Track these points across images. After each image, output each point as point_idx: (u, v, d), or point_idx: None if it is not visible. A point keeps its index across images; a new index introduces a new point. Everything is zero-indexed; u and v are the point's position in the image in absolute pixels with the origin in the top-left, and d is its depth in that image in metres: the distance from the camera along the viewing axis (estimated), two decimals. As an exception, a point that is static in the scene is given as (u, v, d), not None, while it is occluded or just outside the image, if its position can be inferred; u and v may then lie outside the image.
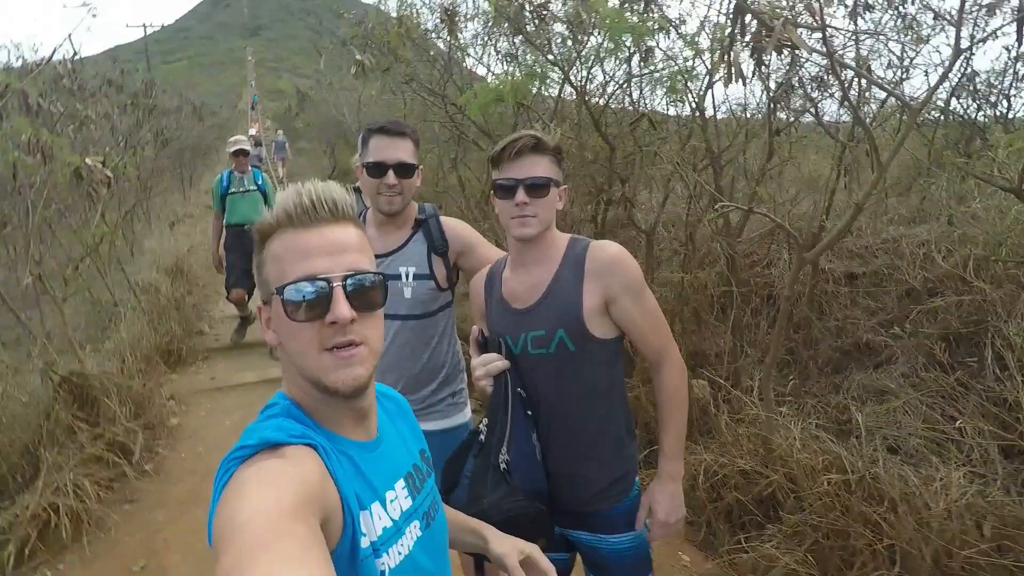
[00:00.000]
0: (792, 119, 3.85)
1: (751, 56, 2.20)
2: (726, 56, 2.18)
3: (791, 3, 1.81)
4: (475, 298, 1.66)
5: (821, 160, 4.83)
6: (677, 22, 3.78)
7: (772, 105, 3.54)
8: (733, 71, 2.12)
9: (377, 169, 1.76)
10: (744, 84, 2.84)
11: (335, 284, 0.83)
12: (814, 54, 2.37)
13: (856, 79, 3.23)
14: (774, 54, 2.31)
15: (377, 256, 1.61)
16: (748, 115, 4.19)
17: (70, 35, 4.36)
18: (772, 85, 3.48)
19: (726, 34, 1.96)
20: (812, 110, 4.25)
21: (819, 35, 1.89)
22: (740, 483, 2.79)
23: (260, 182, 5.44)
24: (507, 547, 1.09)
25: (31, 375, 3.85)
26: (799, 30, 1.62)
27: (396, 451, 0.98)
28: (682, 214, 4.75)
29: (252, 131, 16.62)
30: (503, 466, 1.40)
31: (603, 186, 3.82)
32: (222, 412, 4.77)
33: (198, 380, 5.41)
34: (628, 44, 3.62)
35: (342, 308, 0.82)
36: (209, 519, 0.74)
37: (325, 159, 15.81)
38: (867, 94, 3.78)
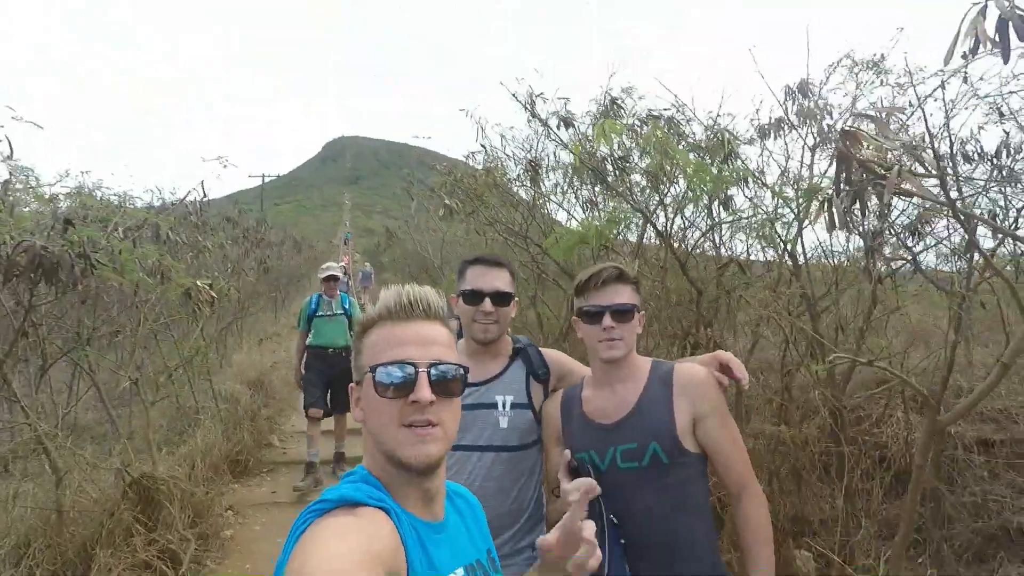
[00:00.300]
0: (891, 268, 3.65)
1: (853, 204, 2.14)
2: (825, 204, 2.13)
3: (897, 153, 1.76)
4: (551, 420, 1.67)
5: (922, 310, 4.49)
6: (757, 172, 3.86)
7: (871, 252, 3.39)
8: (836, 218, 2.05)
9: (474, 297, 1.76)
10: (849, 231, 2.75)
11: (421, 369, 0.94)
12: (927, 201, 2.27)
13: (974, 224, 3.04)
14: (874, 200, 2.24)
15: (471, 385, 1.64)
16: (839, 262, 4.04)
17: (203, 182, 5.22)
18: (870, 230, 3.36)
19: (822, 184, 1.92)
20: (909, 258, 4.05)
21: (934, 181, 1.81)
22: None
23: (347, 306, 5.79)
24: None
25: (108, 472, 3.96)
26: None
27: (460, 540, 1.01)
28: (772, 361, 4.47)
29: (342, 262, 17.95)
30: None
31: (689, 329, 3.68)
32: (276, 528, 4.67)
33: (259, 492, 5.42)
34: (708, 192, 3.69)
35: (424, 390, 0.92)
36: (279, 565, 0.78)
37: (407, 290, 16.65)
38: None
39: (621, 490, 1.47)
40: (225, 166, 4.44)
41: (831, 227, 2.10)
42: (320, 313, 5.69)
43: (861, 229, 2.91)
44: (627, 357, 1.57)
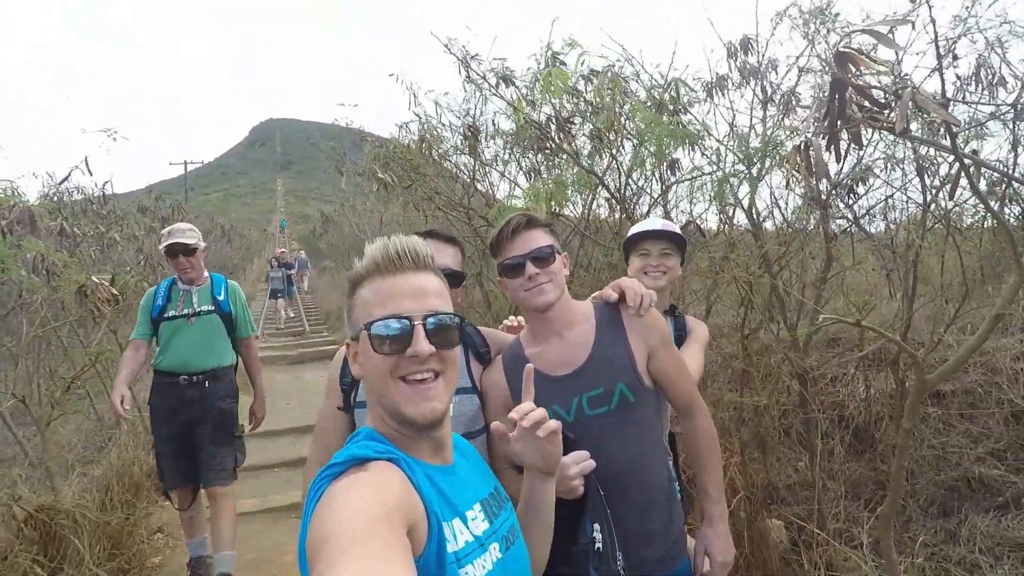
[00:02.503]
0: (840, 224, 3.57)
1: (829, 148, 1.94)
2: (801, 148, 1.92)
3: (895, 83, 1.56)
4: (497, 390, 1.56)
5: (871, 267, 4.50)
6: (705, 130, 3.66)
7: (826, 209, 3.27)
8: (815, 164, 1.84)
9: None
10: (828, 179, 2.58)
11: (416, 322, 0.93)
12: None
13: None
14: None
15: None
16: (791, 221, 3.94)
17: (86, 159, 4.41)
18: (823, 187, 3.24)
19: (811, 120, 1.70)
20: (850, 215, 4.00)
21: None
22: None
23: (223, 297, 3.40)
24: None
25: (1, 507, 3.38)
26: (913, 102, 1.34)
27: (471, 478, 1.05)
28: (724, 326, 4.36)
29: (278, 251, 17.18)
30: (621, 571, 1.35)
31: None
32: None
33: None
34: (656, 153, 3.47)
35: (422, 343, 0.92)
36: (301, 537, 0.81)
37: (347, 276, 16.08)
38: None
39: (591, 436, 1.43)
40: (115, 138, 3.85)
41: (807, 175, 1.90)
42: (171, 312, 3.25)
43: (830, 178, 2.74)
44: (563, 301, 1.54)
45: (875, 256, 4.56)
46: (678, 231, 2.07)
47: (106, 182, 6.10)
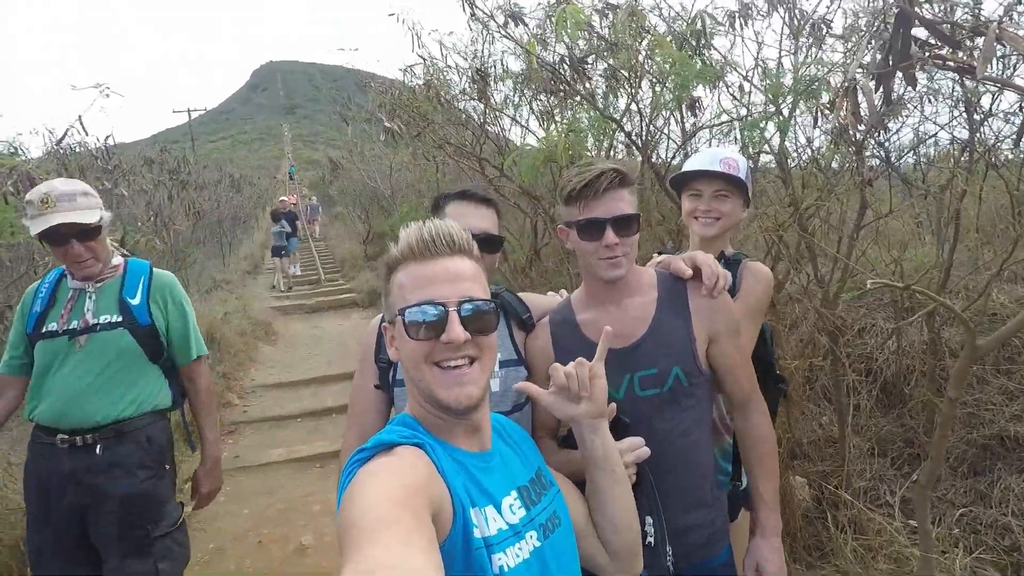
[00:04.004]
0: (881, 165, 3.32)
1: (906, 82, 1.72)
2: (850, 91, 1.71)
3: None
4: (541, 356, 1.46)
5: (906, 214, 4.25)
6: (727, 67, 3.36)
7: (860, 151, 3.03)
8: (868, 108, 1.64)
9: None
10: (883, 126, 2.36)
11: (451, 308, 0.94)
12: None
13: None
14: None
15: None
16: (820, 165, 3.69)
17: (80, 116, 4.24)
18: (860, 129, 2.98)
19: (863, 58, 1.49)
20: (882, 154, 3.72)
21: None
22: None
23: (140, 299, 2.11)
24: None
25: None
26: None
27: (510, 464, 1.04)
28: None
29: (287, 199, 16.88)
30: (670, 566, 1.28)
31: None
32: (241, 498, 4.38)
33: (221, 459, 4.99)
34: (679, 93, 3.20)
35: (456, 329, 0.93)
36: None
37: (360, 223, 15.91)
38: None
39: (641, 417, 1.36)
40: (108, 95, 3.66)
41: (857, 120, 1.70)
42: (50, 326, 2.03)
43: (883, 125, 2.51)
44: (629, 270, 1.42)
45: (906, 199, 4.30)
46: (736, 172, 1.74)
47: (108, 136, 5.93)
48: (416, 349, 0.94)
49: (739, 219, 1.81)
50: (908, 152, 3.91)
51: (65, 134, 4.38)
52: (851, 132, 2.96)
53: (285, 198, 16.43)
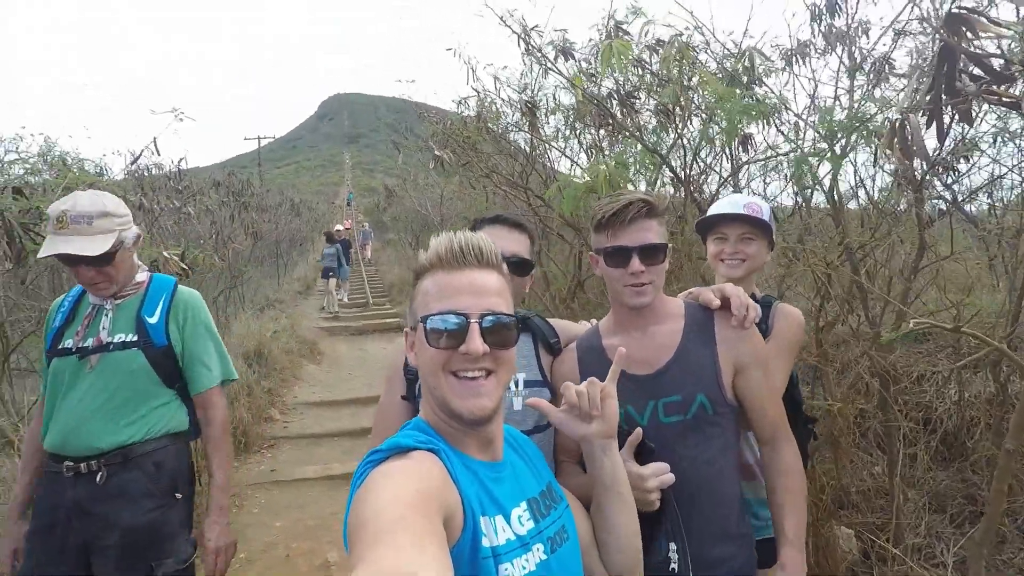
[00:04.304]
0: (944, 207, 3.19)
1: (930, 126, 1.68)
2: (896, 126, 1.67)
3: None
4: (565, 380, 1.40)
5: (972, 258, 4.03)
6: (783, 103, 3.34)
7: (920, 190, 2.92)
8: (913, 147, 1.60)
9: None
10: (929, 161, 2.29)
11: (472, 320, 0.95)
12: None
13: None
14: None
15: None
16: (876, 203, 3.57)
17: (155, 139, 4.61)
18: (919, 165, 2.89)
19: (910, 94, 1.47)
20: (948, 196, 3.56)
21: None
22: None
23: (158, 318, 1.95)
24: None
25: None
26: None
27: (522, 476, 1.03)
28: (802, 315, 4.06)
29: (341, 227, 17.53)
30: None
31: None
32: (274, 512, 4.49)
33: (259, 471, 5.21)
34: (729, 129, 3.19)
35: (476, 341, 0.93)
36: (345, 519, 0.83)
37: (409, 249, 16.39)
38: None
39: (665, 444, 1.35)
40: (181, 119, 3.96)
41: (906, 157, 1.66)
42: (66, 342, 1.91)
43: (929, 160, 2.44)
44: (657, 299, 1.45)
45: (974, 241, 4.09)
46: (760, 215, 1.81)
47: (181, 159, 6.40)
48: (435, 357, 0.95)
49: (764, 261, 1.86)
50: (973, 194, 3.75)
51: (140, 155, 4.74)
52: (912, 171, 2.87)
53: (340, 227, 16.95)
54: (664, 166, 3.20)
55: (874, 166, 3.07)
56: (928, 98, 1.27)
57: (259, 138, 38.98)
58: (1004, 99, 1.28)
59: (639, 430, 1.33)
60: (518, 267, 1.52)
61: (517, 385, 1.53)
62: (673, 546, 1.27)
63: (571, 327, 1.68)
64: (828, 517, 2.61)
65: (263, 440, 5.84)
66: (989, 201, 3.98)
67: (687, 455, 1.37)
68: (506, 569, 0.88)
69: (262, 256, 13.06)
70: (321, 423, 6.40)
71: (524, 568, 0.91)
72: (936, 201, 3.66)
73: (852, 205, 3.85)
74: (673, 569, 1.25)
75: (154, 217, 5.67)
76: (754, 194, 3.92)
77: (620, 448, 1.26)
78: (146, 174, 6.64)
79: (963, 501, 2.87)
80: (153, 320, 1.92)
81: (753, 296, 1.84)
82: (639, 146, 3.22)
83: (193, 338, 1.97)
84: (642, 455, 1.31)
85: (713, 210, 1.91)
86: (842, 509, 2.98)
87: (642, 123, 4.02)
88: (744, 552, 1.42)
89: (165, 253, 3.66)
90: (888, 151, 1.77)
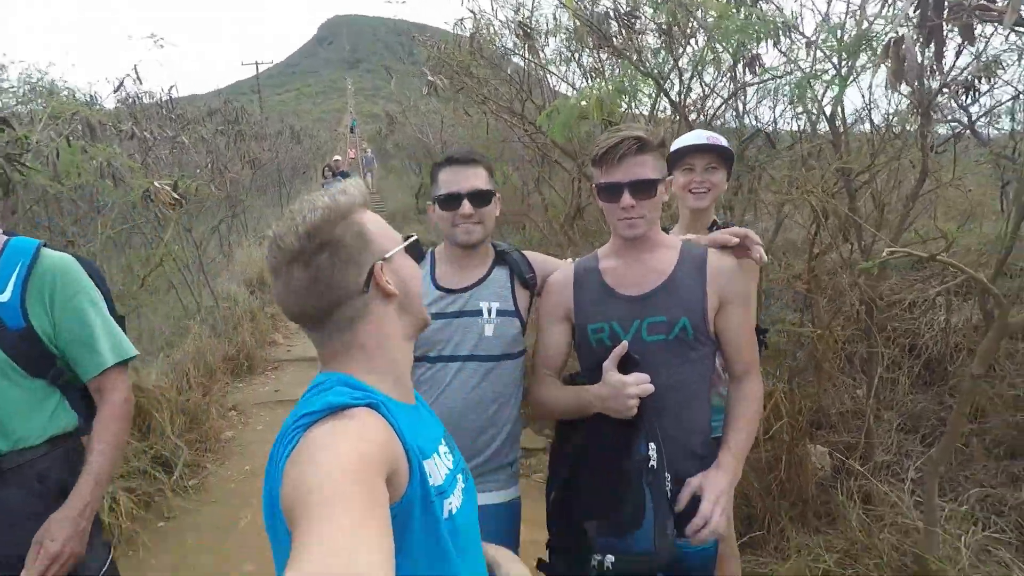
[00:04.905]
0: (950, 129, 3.08)
1: (928, 45, 1.62)
2: (891, 47, 1.61)
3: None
4: (560, 294, 1.59)
5: (978, 184, 3.93)
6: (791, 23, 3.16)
7: (927, 112, 2.81)
8: (908, 64, 1.55)
9: (450, 201, 1.62)
10: (922, 83, 2.21)
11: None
12: None
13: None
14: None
15: (453, 291, 1.64)
16: (880, 128, 3.44)
17: (136, 67, 4.44)
18: (932, 86, 2.76)
19: (877, 27, 1.40)
20: (964, 121, 3.42)
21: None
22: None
23: (12, 295, 1.45)
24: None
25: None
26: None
27: (431, 416, 1.07)
28: (797, 241, 4.04)
29: (339, 157, 17.24)
30: (668, 493, 1.39)
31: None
32: (278, 427, 4.67)
33: (263, 392, 5.44)
34: (732, 49, 3.05)
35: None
36: (274, 477, 0.80)
37: (412, 176, 16.22)
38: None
39: (644, 361, 1.42)
40: (162, 45, 3.83)
41: (897, 79, 1.61)
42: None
43: (926, 82, 2.34)
44: (652, 230, 1.52)
45: (989, 167, 3.96)
46: (724, 143, 1.96)
47: (171, 87, 6.22)
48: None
49: (724, 190, 2.02)
50: (987, 113, 3.58)
51: (122, 82, 4.60)
52: (921, 92, 2.75)
53: (339, 157, 16.71)
54: (661, 92, 3.09)
55: (888, 89, 2.94)
56: (915, 14, 1.21)
57: (257, 63, 37.61)
58: (990, 11, 1.22)
59: (624, 343, 1.43)
60: (479, 198, 1.61)
61: (490, 313, 1.62)
62: (652, 446, 1.37)
63: (548, 261, 1.78)
64: (802, 436, 2.72)
65: (267, 363, 6.08)
66: (1012, 123, 3.81)
67: (662, 375, 1.44)
68: (449, 503, 0.91)
69: (264, 185, 12.95)
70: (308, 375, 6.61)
71: (459, 499, 0.95)
72: (954, 124, 3.53)
73: (863, 129, 3.71)
74: (652, 466, 1.36)
75: (148, 147, 5.59)
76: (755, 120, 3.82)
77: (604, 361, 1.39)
78: (136, 103, 6.48)
79: (936, 422, 2.97)
80: (4, 297, 1.44)
81: (715, 222, 2.01)
82: (632, 69, 3.09)
83: (68, 315, 1.50)
84: (626, 366, 1.40)
85: (680, 143, 2.01)
86: (819, 429, 3.10)
87: (643, 45, 3.83)
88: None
89: (156, 183, 3.65)
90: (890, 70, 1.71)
